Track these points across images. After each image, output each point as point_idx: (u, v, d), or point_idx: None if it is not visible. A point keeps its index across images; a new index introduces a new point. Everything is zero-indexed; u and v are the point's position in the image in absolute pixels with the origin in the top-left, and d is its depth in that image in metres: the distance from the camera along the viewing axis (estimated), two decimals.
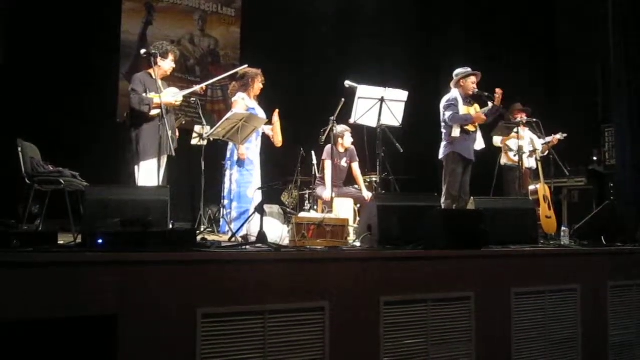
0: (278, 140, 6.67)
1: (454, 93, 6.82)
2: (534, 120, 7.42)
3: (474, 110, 6.83)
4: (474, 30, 10.31)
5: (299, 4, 9.88)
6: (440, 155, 6.83)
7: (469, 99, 6.89)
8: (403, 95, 6.31)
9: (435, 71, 7.67)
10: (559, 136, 7.96)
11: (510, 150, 7.70)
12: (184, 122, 7.01)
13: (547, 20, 10.67)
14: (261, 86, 6.57)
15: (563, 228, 5.96)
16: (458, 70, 6.93)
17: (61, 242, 3.81)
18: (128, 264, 3.20)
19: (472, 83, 6.84)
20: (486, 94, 6.65)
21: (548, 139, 7.85)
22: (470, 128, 6.78)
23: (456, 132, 6.68)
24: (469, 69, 6.89)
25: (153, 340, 3.20)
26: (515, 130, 7.22)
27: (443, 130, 6.83)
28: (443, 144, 6.82)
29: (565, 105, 10.05)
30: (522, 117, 7.74)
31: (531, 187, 7.81)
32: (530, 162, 7.81)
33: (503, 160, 7.92)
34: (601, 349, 5.02)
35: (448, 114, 6.73)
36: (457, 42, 9.94)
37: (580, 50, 9.90)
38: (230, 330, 3.41)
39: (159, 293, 3.24)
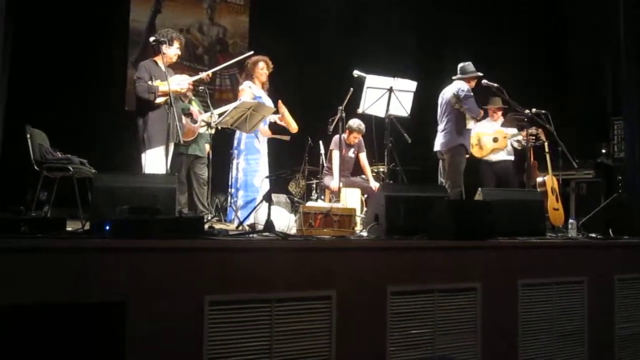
0: (293, 128, 6.67)
1: (466, 85, 6.87)
2: (543, 112, 7.37)
3: None
4: (484, 21, 10.25)
5: None
6: (445, 146, 6.85)
7: None
8: (412, 85, 6.31)
9: (444, 62, 7.65)
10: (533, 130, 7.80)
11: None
12: None
13: (557, 12, 10.59)
14: (265, 73, 6.55)
15: (570, 220, 5.95)
16: (467, 68, 7.05)
17: (69, 229, 3.82)
18: (136, 251, 3.21)
19: (474, 82, 7.01)
20: (495, 85, 6.63)
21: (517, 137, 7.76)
22: (474, 122, 6.99)
23: (471, 124, 6.83)
24: (471, 64, 7.05)
25: (160, 327, 3.21)
26: (525, 120, 7.15)
27: (447, 122, 6.86)
28: (449, 134, 6.84)
29: (574, 98, 9.99)
30: (498, 115, 7.92)
31: (539, 179, 7.80)
32: (499, 155, 7.82)
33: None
34: (608, 341, 5.00)
35: (470, 102, 6.81)
36: (467, 34, 9.88)
37: (590, 42, 9.82)
38: (237, 317, 3.42)
39: (166, 280, 3.25)
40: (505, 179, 7.65)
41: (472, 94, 6.87)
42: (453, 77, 7.07)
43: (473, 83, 7.02)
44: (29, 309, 2.98)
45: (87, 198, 4.75)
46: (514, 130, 7.63)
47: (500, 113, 7.91)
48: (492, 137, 7.76)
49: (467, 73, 6.99)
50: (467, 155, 7.00)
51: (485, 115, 7.70)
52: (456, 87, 6.92)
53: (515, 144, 7.77)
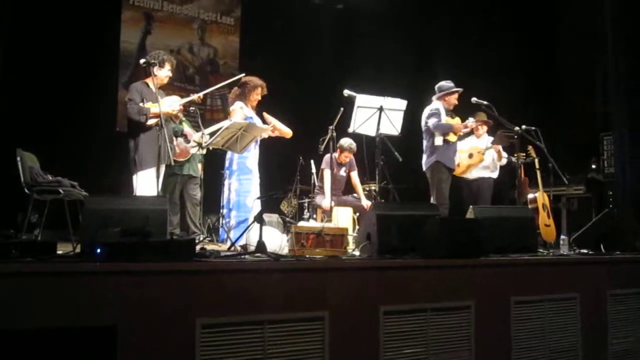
0: (287, 133, 6.65)
1: (437, 104, 6.98)
2: (533, 128, 7.41)
3: (455, 122, 6.98)
4: (474, 39, 10.32)
5: (298, 13, 9.91)
6: (425, 166, 6.94)
7: (450, 112, 7.10)
8: (402, 104, 6.34)
9: (434, 80, 7.70)
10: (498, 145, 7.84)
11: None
12: None
13: (547, 28, 10.68)
14: (258, 98, 6.58)
15: (562, 236, 5.96)
16: (444, 86, 7.10)
17: (60, 252, 3.80)
18: (127, 274, 3.20)
19: (455, 99, 7.06)
20: (485, 102, 6.66)
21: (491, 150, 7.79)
22: (451, 138, 6.96)
23: (439, 140, 6.85)
24: (452, 83, 7.08)
25: (152, 351, 3.19)
26: (515, 137, 7.18)
27: (424, 142, 6.98)
28: (425, 154, 6.96)
29: (564, 114, 10.04)
30: (483, 128, 7.93)
31: (530, 196, 7.82)
32: (474, 173, 7.84)
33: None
34: (601, 357, 5.00)
35: (432, 121, 6.87)
36: (457, 52, 9.94)
37: (579, 57, 9.90)
38: (230, 340, 3.40)
39: (158, 303, 3.23)
40: (481, 197, 7.65)
41: (437, 111, 6.91)
42: (432, 97, 7.12)
43: (453, 99, 7.05)
44: (18, 333, 2.95)
45: (78, 220, 4.73)
46: (488, 144, 7.68)
47: (485, 129, 7.93)
48: (468, 154, 7.79)
49: (442, 90, 7.05)
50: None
51: (472, 132, 7.75)
52: (427, 108, 7.00)
53: (496, 158, 7.76)
